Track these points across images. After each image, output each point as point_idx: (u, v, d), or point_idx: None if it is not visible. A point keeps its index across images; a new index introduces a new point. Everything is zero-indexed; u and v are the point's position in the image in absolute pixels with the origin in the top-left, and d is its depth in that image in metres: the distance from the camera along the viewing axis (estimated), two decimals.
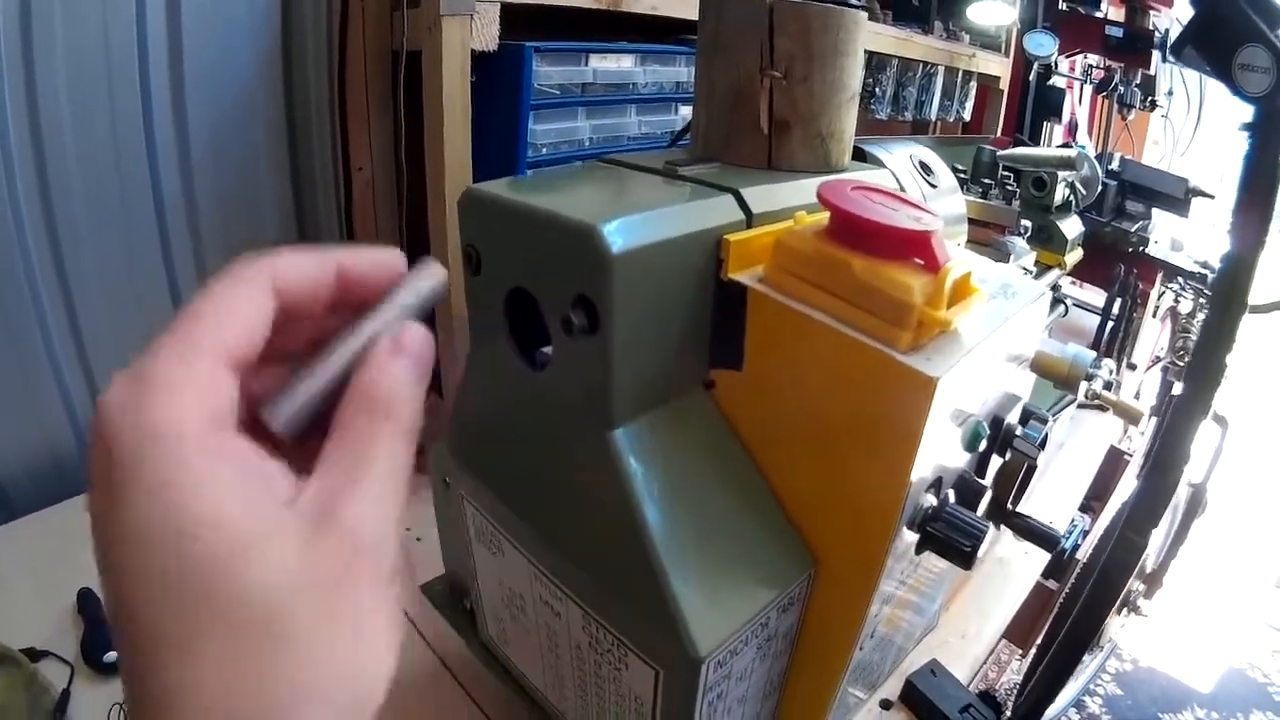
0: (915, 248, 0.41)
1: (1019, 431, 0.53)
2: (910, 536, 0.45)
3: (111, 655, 0.68)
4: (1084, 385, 0.81)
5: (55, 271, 0.86)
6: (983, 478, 0.53)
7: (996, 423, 0.52)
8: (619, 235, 0.39)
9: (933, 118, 1.65)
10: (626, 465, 0.43)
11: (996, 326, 0.45)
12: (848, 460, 0.43)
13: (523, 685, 0.61)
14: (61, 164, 0.83)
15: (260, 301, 0.24)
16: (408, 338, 0.26)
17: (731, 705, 0.46)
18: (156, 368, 0.22)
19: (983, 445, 0.49)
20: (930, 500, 0.45)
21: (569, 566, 0.47)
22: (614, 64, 0.95)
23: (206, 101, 0.93)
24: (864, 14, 0.55)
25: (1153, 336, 1.58)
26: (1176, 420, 0.67)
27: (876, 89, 1.48)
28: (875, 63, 1.44)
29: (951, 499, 0.47)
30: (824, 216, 0.44)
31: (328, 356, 0.25)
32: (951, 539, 0.44)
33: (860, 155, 0.67)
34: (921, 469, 0.41)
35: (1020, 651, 1.21)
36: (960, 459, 0.49)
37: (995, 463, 0.54)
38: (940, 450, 0.44)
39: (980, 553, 0.45)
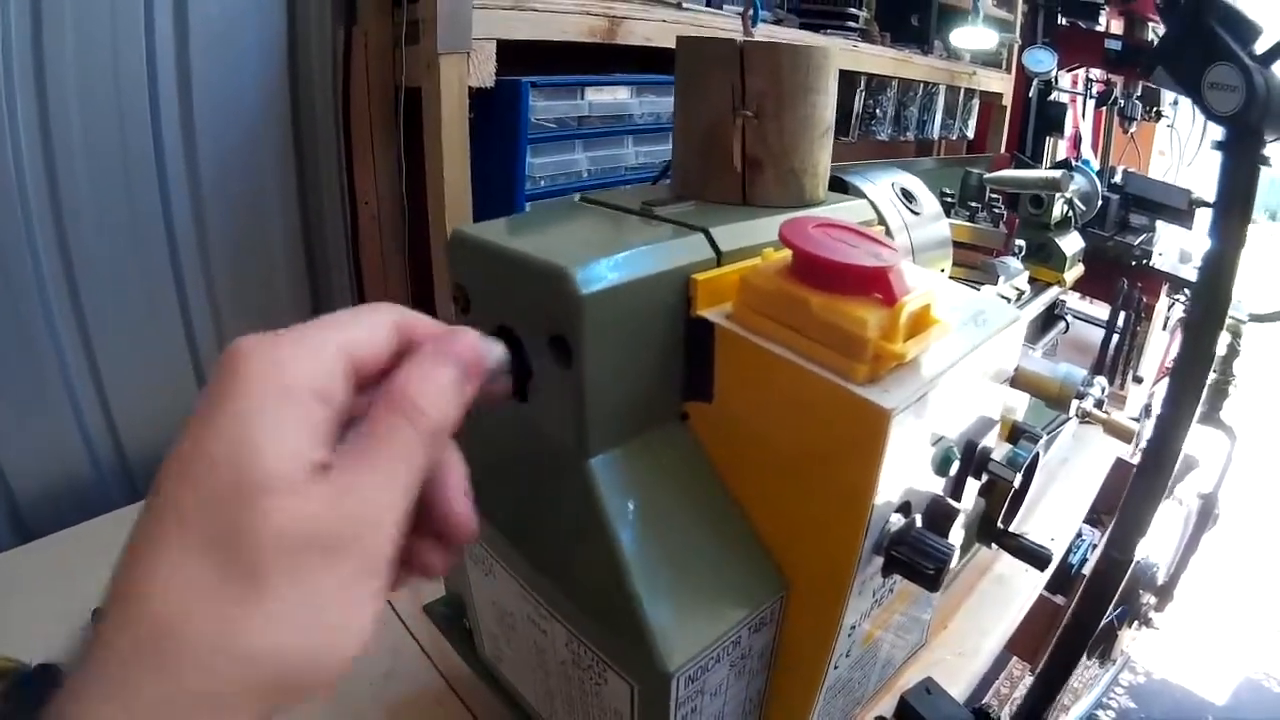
0: (872, 283, 0.42)
1: (995, 455, 0.55)
2: (878, 560, 0.47)
3: None
4: (1075, 404, 0.82)
5: (70, 300, 0.90)
6: (958, 500, 0.54)
7: (970, 446, 0.53)
8: (590, 277, 0.42)
9: (935, 137, 1.66)
10: (602, 492, 0.45)
11: (960, 356, 0.47)
12: (813, 489, 0.45)
13: (519, 703, 0.63)
14: (75, 196, 0.87)
15: (386, 333, 0.28)
16: (455, 342, 0.29)
17: None
18: (296, 331, 0.26)
19: (954, 469, 0.51)
20: (898, 523, 0.47)
21: (552, 587, 0.49)
22: (609, 96, 0.98)
23: (216, 136, 0.96)
24: (835, 48, 0.57)
25: (1161, 349, 1.58)
26: (1165, 420, 0.68)
27: (877, 110, 1.49)
28: (875, 84, 1.46)
29: (919, 522, 0.49)
30: (790, 253, 0.46)
31: None
32: (915, 562, 0.45)
33: (842, 185, 0.69)
34: (885, 495, 0.43)
35: (1030, 667, 1.21)
36: (932, 482, 0.50)
37: (972, 485, 0.56)
38: (905, 476, 0.45)
39: (956, 568, 0.47)
